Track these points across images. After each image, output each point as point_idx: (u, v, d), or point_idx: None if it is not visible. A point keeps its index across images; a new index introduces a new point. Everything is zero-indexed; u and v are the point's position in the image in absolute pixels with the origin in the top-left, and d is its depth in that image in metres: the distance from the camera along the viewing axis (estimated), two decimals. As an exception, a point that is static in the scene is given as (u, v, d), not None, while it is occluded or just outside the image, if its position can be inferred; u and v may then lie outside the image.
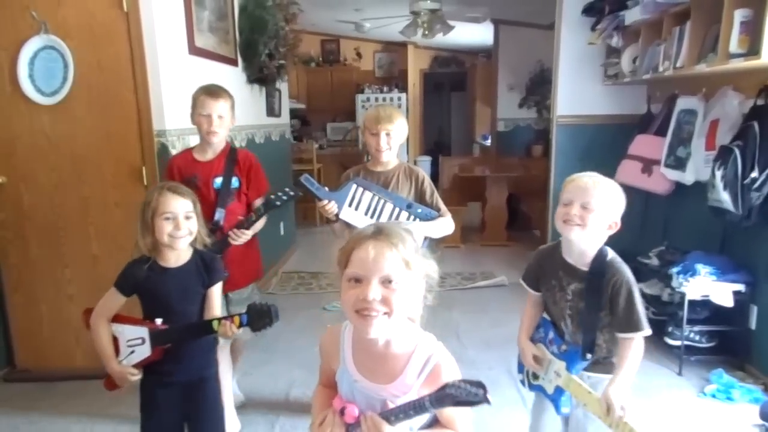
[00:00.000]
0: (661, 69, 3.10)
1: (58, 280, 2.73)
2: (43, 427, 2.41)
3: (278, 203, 2.07)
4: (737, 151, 2.54)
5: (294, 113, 6.96)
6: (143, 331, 1.58)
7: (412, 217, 2.10)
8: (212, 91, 2.13)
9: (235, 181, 2.19)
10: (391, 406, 1.04)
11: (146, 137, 2.60)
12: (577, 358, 1.54)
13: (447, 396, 0.94)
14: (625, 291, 1.48)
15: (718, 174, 2.62)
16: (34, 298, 2.75)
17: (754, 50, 2.34)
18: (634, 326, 1.47)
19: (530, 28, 6.71)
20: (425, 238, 2.11)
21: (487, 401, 0.93)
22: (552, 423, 1.74)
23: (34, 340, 2.81)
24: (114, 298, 1.63)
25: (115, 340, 1.62)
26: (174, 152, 2.74)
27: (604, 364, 1.57)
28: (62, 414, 2.50)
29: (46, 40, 2.47)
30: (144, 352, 1.58)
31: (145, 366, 1.62)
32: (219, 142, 2.19)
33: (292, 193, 2.06)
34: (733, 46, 2.43)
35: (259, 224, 2.17)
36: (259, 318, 1.50)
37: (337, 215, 2.06)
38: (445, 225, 2.12)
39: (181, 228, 1.57)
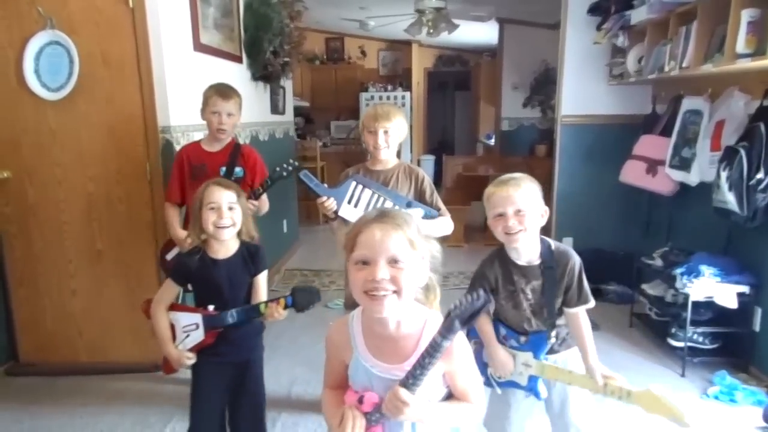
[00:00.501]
0: (666, 69, 3.09)
1: (61, 274, 2.74)
2: (46, 422, 2.42)
3: (284, 174, 2.24)
4: (743, 152, 2.52)
5: (298, 111, 6.96)
6: (197, 318, 1.70)
7: None
8: (223, 92, 2.30)
9: (239, 171, 2.35)
10: None
11: (151, 133, 2.61)
12: (542, 343, 1.61)
13: (453, 320, 0.98)
14: (578, 271, 1.59)
15: (724, 175, 2.61)
16: (38, 292, 2.77)
17: (761, 50, 2.32)
18: (587, 298, 1.60)
19: (535, 27, 6.69)
20: None
21: (489, 300, 1.00)
22: (521, 416, 1.76)
23: (37, 334, 2.82)
24: (170, 287, 1.76)
25: (171, 327, 1.74)
26: (178, 148, 2.74)
27: (563, 344, 1.67)
28: (65, 409, 2.51)
29: (52, 36, 2.48)
30: (198, 336, 1.70)
31: (198, 349, 1.73)
32: (226, 138, 2.36)
33: (296, 164, 2.23)
34: (740, 46, 2.41)
35: (264, 204, 2.35)
36: (303, 298, 1.63)
37: (335, 212, 2.05)
38: (444, 224, 2.11)
39: (224, 217, 1.67)
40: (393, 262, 1.05)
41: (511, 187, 1.52)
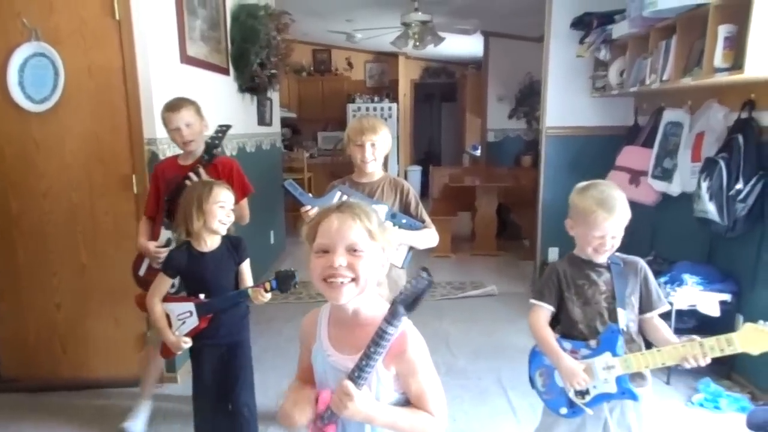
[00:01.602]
0: (648, 82, 3.15)
1: (45, 287, 2.70)
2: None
3: (220, 135, 2.24)
4: (722, 163, 2.58)
5: (285, 122, 6.96)
6: (190, 306, 1.88)
7: (396, 227, 2.11)
8: (172, 105, 2.24)
9: None
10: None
11: (136, 145, 2.60)
12: (615, 337, 1.52)
13: (398, 304, 0.99)
14: (649, 272, 1.62)
15: (704, 185, 2.66)
16: (21, 306, 2.72)
17: (737, 65, 2.39)
18: (662, 300, 1.62)
19: (520, 40, 6.79)
20: (409, 249, 2.12)
21: (431, 282, 0.99)
22: None
23: (20, 349, 2.77)
24: (163, 280, 1.93)
25: (166, 318, 1.91)
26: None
27: (634, 340, 1.60)
28: (48, 426, 2.47)
29: (37, 47, 2.47)
30: (193, 322, 1.88)
31: (194, 334, 1.91)
32: (196, 147, 2.28)
33: (229, 125, 2.28)
34: (718, 60, 2.48)
35: (245, 211, 2.30)
36: (285, 281, 1.79)
37: None
38: (429, 236, 2.13)
39: (230, 215, 1.90)
40: (351, 250, 1.07)
41: (617, 214, 1.52)
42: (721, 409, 2.52)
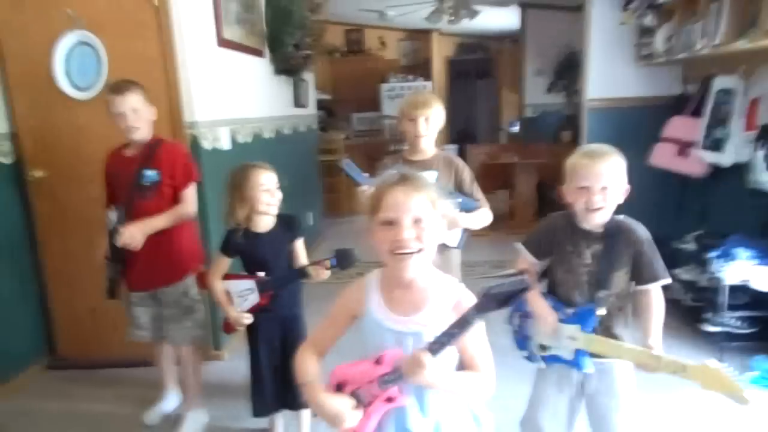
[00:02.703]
0: (698, 47, 3.00)
1: (95, 272, 2.79)
2: (83, 413, 2.51)
3: None
4: (780, 131, 2.45)
5: (319, 104, 6.97)
6: (251, 283, 1.94)
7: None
8: (117, 88, 2.10)
9: (152, 175, 2.11)
10: (424, 336, 1.11)
11: (178, 129, 2.64)
12: (590, 317, 1.53)
13: (490, 299, 1.02)
14: (648, 243, 1.54)
15: (760, 154, 2.54)
16: (73, 289, 2.84)
17: (798, 24, 2.24)
18: (662, 273, 1.54)
19: (558, 10, 6.56)
20: (463, 230, 2.08)
21: (530, 286, 1.02)
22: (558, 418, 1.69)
23: (74, 329, 2.90)
24: (221, 260, 2.00)
25: (227, 294, 1.98)
26: (205, 144, 2.78)
27: (607, 325, 1.58)
28: (101, 400, 2.60)
29: (81, 36, 2.53)
30: (255, 299, 1.95)
31: (255, 311, 1.96)
32: (143, 136, 2.14)
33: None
34: (776, 20, 2.33)
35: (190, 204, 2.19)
36: (345, 258, 1.81)
37: None
38: (484, 216, 2.10)
39: (274, 196, 1.92)
40: (417, 221, 1.11)
41: (601, 161, 1.47)
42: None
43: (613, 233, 1.54)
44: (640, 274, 1.55)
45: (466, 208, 2.07)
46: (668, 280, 1.57)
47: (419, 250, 1.12)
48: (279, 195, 1.95)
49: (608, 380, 1.61)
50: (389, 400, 1.14)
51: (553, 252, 1.61)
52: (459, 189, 2.12)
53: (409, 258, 1.12)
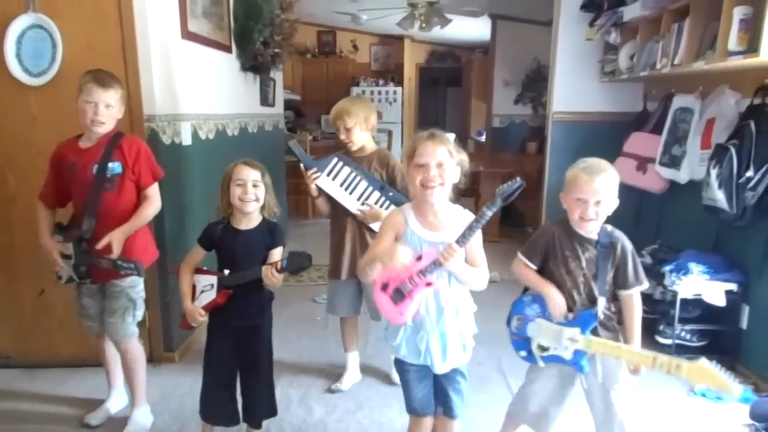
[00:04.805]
0: (658, 66, 3.08)
1: (42, 265, 2.66)
2: (26, 413, 2.38)
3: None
4: (733, 150, 2.53)
5: (289, 104, 6.90)
6: (213, 279, 1.93)
7: (383, 198, 2.36)
8: (101, 79, 2.03)
9: (116, 167, 2.06)
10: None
11: (136, 122, 2.55)
12: (590, 320, 1.67)
13: (497, 196, 1.51)
14: (631, 252, 1.72)
15: (714, 173, 2.61)
16: (18, 281, 2.70)
17: (753, 48, 2.32)
18: (641, 279, 1.72)
19: (528, 24, 6.68)
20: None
21: (523, 184, 1.47)
22: (547, 399, 1.82)
23: (14, 325, 2.75)
24: (196, 251, 1.99)
25: (194, 288, 1.96)
26: (164, 138, 2.69)
27: (606, 326, 1.73)
28: (46, 401, 2.47)
29: (35, 19, 2.41)
30: (211, 295, 1.92)
31: (212, 311, 1.93)
32: (104, 131, 2.08)
33: None
34: (732, 43, 2.41)
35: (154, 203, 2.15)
36: (295, 261, 1.82)
37: (319, 190, 2.37)
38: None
39: (248, 193, 1.88)
40: (439, 165, 1.56)
41: (598, 178, 1.63)
42: (723, 399, 2.49)
43: (605, 241, 1.69)
44: (626, 279, 1.71)
45: (397, 202, 2.29)
46: (647, 285, 1.74)
47: (441, 184, 1.56)
48: (257, 193, 1.90)
49: (602, 363, 1.73)
50: (428, 284, 1.56)
51: (552, 256, 1.74)
52: (391, 184, 2.38)
53: (433, 189, 1.56)
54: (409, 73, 9.14)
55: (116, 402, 2.39)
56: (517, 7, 6.26)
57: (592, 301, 1.71)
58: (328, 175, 2.36)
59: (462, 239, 1.51)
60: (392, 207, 2.33)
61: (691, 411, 2.46)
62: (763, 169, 2.48)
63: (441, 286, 1.61)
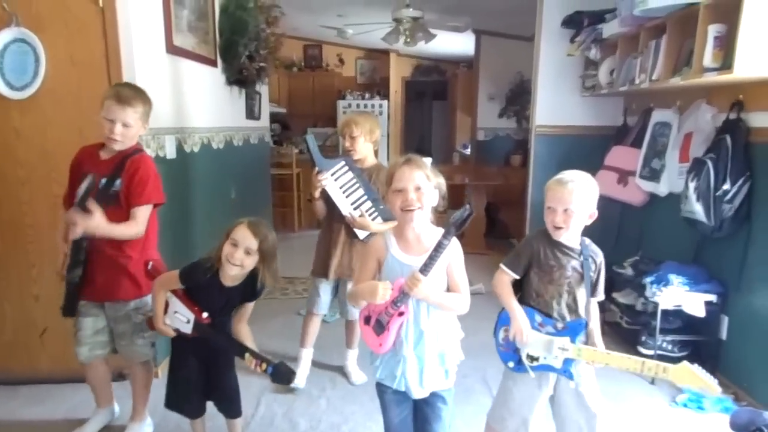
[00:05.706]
0: (637, 81, 3.15)
1: (23, 278, 2.64)
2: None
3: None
4: (710, 164, 2.58)
5: (275, 117, 6.90)
6: (191, 315, 1.89)
7: (373, 209, 2.50)
8: (121, 97, 1.98)
9: (118, 184, 2.04)
10: None
11: (120, 135, 2.53)
12: (580, 329, 1.72)
13: (450, 226, 1.51)
14: (604, 265, 1.81)
15: (692, 186, 2.67)
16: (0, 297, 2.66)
17: (726, 64, 2.39)
18: (604, 291, 1.83)
19: (511, 39, 6.79)
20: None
21: (473, 211, 1.51)
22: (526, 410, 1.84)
23: (-4, 342, 2.70)
24: (174, 281, 1.91)
25: (166, 303, 1.94)
26: (148, 151, 2.68)
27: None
28: (27, 418, 2.42)
29: (17, 33, 2.40)
30: (186, 329, 1.90)
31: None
32: (120, 148, 2.06)
33: None
34: (707, 60, 2.48)
35: (91, 219, 1.92)
36: (281, 376, 1.81)
37: (320, 192, 2.49)
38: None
39: (235, 257, 1.80)
40: (417, 189, 1.61)
41: (566, 188, 1.68)
42: (704, 409, 2.53)
43: (585, 251, 1.76)
44: (596, 288, 1.79)
45: (386, 217, 2.45)
46: (603, 297, 1.84)
47: (419, 208, 1.60)
48: (245, 261, 1.81)
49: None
50: (401, 314, 1.60)
51: (536, 265, 1.78)
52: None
53: (412, 213, 1.60)
54: (395, 86, 9.21)
55: (98, 421, 2.36)
56: (500, 23, 6.37)
57: (571, 310, 1.75)
58: (332, 174, 2.50)
59: (425, 268, 1.53)
60: (379, 219, 2.50)
61: (673, 421, 2.48)
62: (740, 182, 2.55)
63: (420, 311, 1.63)
